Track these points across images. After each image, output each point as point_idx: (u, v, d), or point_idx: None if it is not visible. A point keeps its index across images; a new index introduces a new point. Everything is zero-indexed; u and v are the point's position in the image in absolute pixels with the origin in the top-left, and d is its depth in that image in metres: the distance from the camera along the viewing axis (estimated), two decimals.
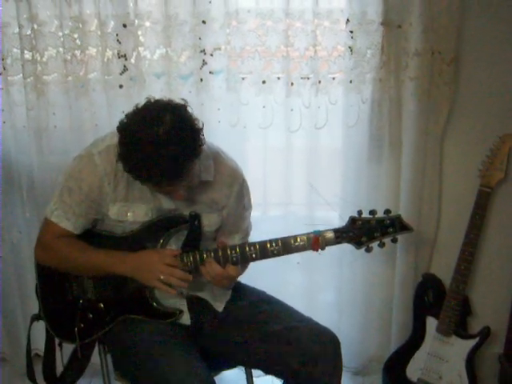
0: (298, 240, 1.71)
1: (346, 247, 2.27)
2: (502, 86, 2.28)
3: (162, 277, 1.69)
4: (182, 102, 1.59)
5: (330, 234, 1.71)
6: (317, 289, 2.55)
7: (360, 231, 1.71)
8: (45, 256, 1.83)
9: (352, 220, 1.71)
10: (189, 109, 1.58)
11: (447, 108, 2.26)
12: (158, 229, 1.76)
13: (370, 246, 1.73)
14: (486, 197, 2.19)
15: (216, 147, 1.83)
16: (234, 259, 1.72)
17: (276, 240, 1.71)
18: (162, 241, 1.75)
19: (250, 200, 1.93)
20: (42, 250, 1.83)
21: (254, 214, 2.01)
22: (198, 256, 1.73)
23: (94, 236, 1.80)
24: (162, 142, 1.47)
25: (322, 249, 1.72)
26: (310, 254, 2.36)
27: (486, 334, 2.25)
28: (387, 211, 1.72)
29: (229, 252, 1.72)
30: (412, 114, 2.25)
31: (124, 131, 1.54)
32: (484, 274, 2.46)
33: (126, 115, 1.56)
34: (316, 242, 1.70)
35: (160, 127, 1.48)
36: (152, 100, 1.58)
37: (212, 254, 1.72)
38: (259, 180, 2.36)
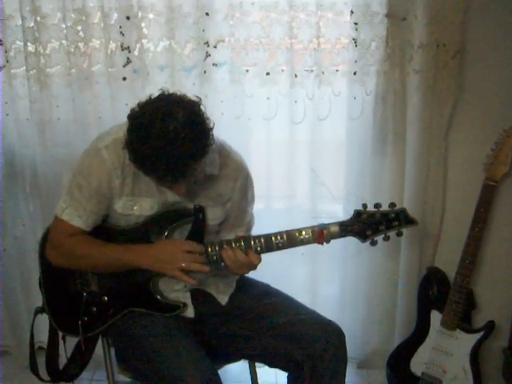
0: (303, 233, 1.71)
1: (351, 240, 2.28)
2: (507, 78, 2.27)
3: (183, 264, 1.68)
4: (196, 99, 1.57)
5: (335, 228, 1.70)
6: (320, 281, 2.55)
7: (365, 224, 1.70)
8: (58, 256, 1.81)
9: (357, 213, 1.71)
10: (202, 107, 1.56)
11: (452, 101, 2.25)
12: (162, 222, 1.75)
13: (375, 239, 1.72)
14: (491, 191, 2.18)
15: (221, 140, 1.81)
16: (259, 249, 1.71)
17: (281, 233, 1.71)
18: (166, 234, 1.75)
19: (253, 194, 1.93)
20: (55, 251, 1.81)
21: (258, 207, 2.01)
22: (216, 246, 1.73)
23: (97, 229, 1.79)
24: (170, 138, 1.46)
25: (327, 242, 1.71)
26: (314, 245, 2.38)
27: (490, 327, 2.24)
28: (392, 205, 1.72)
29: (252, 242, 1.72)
30: (416, 107, 2.23)
31: (134, 120, 1.52)
32: (488, 268, 2.46)
33: (139, 104, 1.54)
34: (321, 235, 1.70)
35: (171, 123, 1.46)
36: (166, 92, 1.56)
37: (233, 244, 1.72)
38: (263, 172, 2.35)
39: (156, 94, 1.57)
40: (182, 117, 1.48)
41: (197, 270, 1.70)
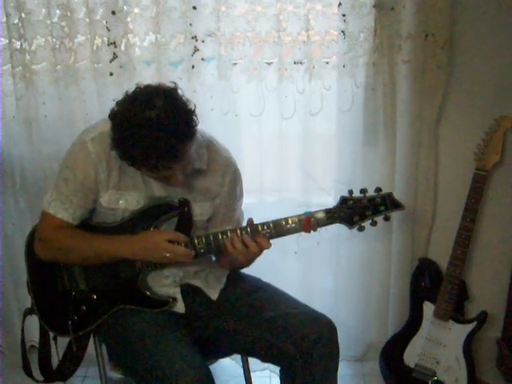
0: (290, 222, 1.70)
1: (343, 234, 2.28)
2: (496, 68, 2.26)
3: (167, 254, 1.67)
4: (172, 85, 1.58)
5: (322, 215, 1.69)
6: (313, 277, 2.53)
7: (352, 211, 1.69)
8: (45, 250, 1.80)
9: (343, 200, 1.70)
10: (179, 91, 1.57)
11: (441, 91, 2.24)
12: (148, 216, 1.75)
13: (362, 225, 1.71)
14: (482, 180, 2.17)
15: (209, 136, 1.82)
16: (268, 235, 1.70)
17: (268, 223, 1.70)
18: (152, 228, 1.74)
19: (241, 190, 1.92)
20: (42, 245, 1.80)
21: (250, 201, 2.01)
22: (203, 239, 1.72)
23: (84, 226, 1.78)
24: (155, 125, 1.47)
25: (314, 230, 1.70)
26: (306, 243, 2.36)
27: (483, 318, 2.23)
28: (378, 189, 1.71)
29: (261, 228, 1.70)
30: (406, 98, 2.22)
31: (116, 118, 1.54)
32: (481, 258, 2.46)
33: (117, 103, 1.56)
34: (308, 223, 1.69)
35: (152, 111, 1.48)
36: (142, 86, 1.58)
37: (220, 236, 1.71)
38: (254, 167, 2.34)
39: (132, 89, 1.59)
40: (162, 104, 1.50)
41: (182, 260, 1.69)
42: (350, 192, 1.70)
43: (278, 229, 1.70)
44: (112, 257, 1.74)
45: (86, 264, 1.80)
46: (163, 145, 1.48)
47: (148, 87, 1.57)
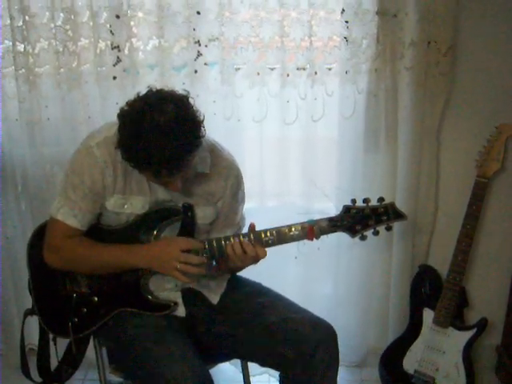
0: (293, 229, 1.70)
1: (343, 241, 2.28)
2: (498, 75, 2.28)
3: (178, 266, 1.66)
4: (184, 93, 1.58)
5: (325, 223, 1.70)
6: (313, 283, 2.53)
7: (354, 220, 1.70)
8: (56, 259, 1.79)
9: (346, 209, 1.70)
10: (190, 100, 1.57)
11: (443, 98, 2.25)
12: (151, 220, 1.75)
13: (365, 234, 1.72)
14: (483, 187, 2.18)
15: (212, 140, 1.82)
16: (270, 242, 1.70)
17: (270, 230, 1.70)
18: (155, 232, 1.74)
19: (243, 193, 1.92)
20: (53, 254, 1.79)
21: (251, 205, 2.00)
22: (205, 244, 1.72)
23: (89, 229, 1.78)
24: (162, 132, 1.47)
25: (317, 238, 1.71)
26: (307, 248, 2.37)
27: (482, 325, 2.24)
28: (381, 199, 1.71)
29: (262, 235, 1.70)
30: (408, 105, 2.23)
31: (125, 118, 1.53)
32: (481, 265, 2.46)
33: (127, 103, 1.55)
34: (311, 231, 1.69)
35: (162, 117, 1.48)
36: (154, 89, 1.57)
37: (223, 242, 1.71)
38: (256, 171, 2.35)
39: (144, 91, 1.57)
40: (171, 110, 1.49)
41: (193, 272, 1.68)
42: (353, 201, 1.71)
43: (281, 236, 1.70)
44: (123, 267, 1.74)
45: (95, 273, 1.80)
46: (167, 153, 1.47)
47: (160, 92, 1.56)
